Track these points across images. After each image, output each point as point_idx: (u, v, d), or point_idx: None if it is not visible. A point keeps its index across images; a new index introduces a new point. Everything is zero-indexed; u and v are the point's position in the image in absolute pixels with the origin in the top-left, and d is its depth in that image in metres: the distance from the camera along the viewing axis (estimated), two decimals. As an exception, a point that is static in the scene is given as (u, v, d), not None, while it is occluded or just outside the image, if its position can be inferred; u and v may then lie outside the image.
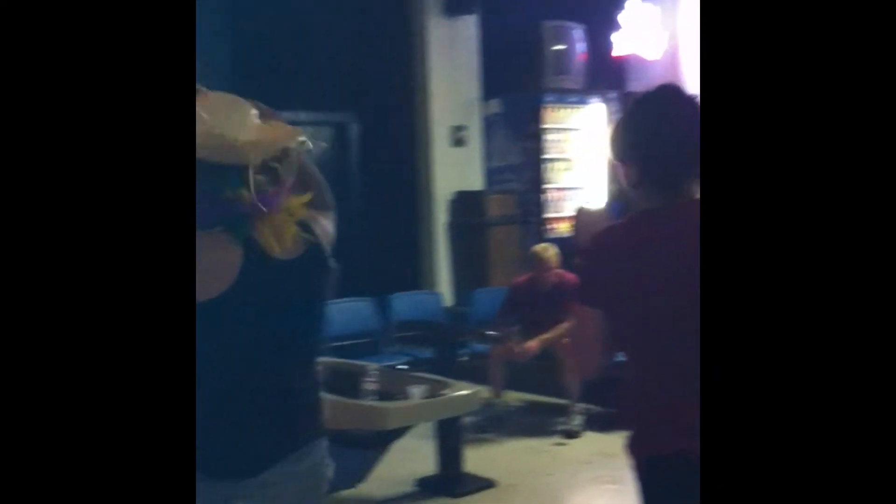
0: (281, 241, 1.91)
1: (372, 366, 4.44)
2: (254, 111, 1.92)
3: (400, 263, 7.64)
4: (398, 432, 4.08)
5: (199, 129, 1.78)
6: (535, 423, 5.71)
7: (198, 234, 1.80)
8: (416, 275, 7.70)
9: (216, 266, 1.86)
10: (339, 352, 5.16)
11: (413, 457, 4.67)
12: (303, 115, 6.78)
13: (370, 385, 4.10)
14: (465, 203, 7.76)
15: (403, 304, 6.56)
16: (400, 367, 5.53)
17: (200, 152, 1.76)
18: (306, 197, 1.99)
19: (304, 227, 1.98)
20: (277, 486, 1.93)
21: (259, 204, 1.87)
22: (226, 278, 1.87)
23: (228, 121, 1.86)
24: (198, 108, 1.81)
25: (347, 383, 4.05)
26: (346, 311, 5.90)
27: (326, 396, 2.08)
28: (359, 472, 4.20)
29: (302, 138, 1.97)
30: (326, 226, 2.06)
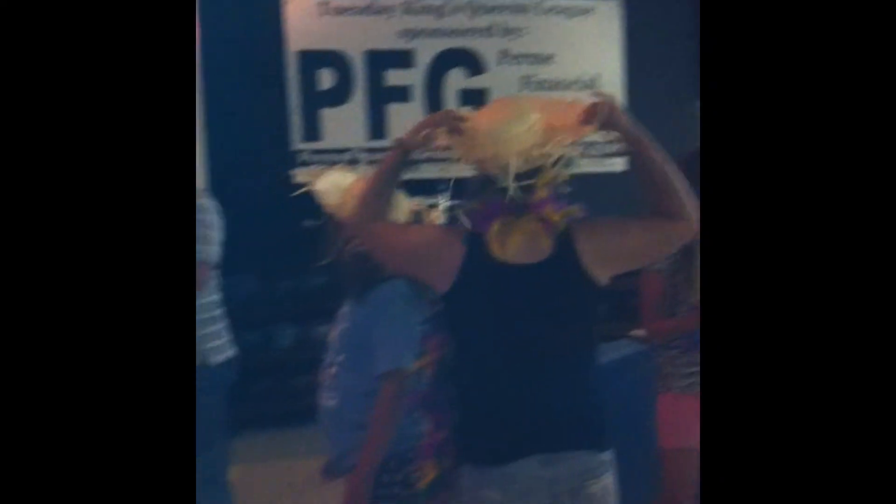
0: (504, 245, 1.96)
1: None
2: (535, 115, 1.94)
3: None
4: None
5: (464, 144, 1.94)
6: None
7: (421, 225, 2.18)
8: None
9: (438, 259, 1.99)
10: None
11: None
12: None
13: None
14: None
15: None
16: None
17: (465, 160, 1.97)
18: (566, 211, 2.01)
19: (562, 236, 1.98)
20: (522, 483, 1.94)
21: (466, 222, 1.99)
22: (449, 273, 1.97)
23: (489, 135, 1.93)
24: (468, 125, 1.96)
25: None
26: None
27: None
28: None
29: (562, 153, 1.97)
30: (612, 239, 2.02)
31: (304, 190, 2.44)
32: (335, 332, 2.46)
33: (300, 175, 2.36)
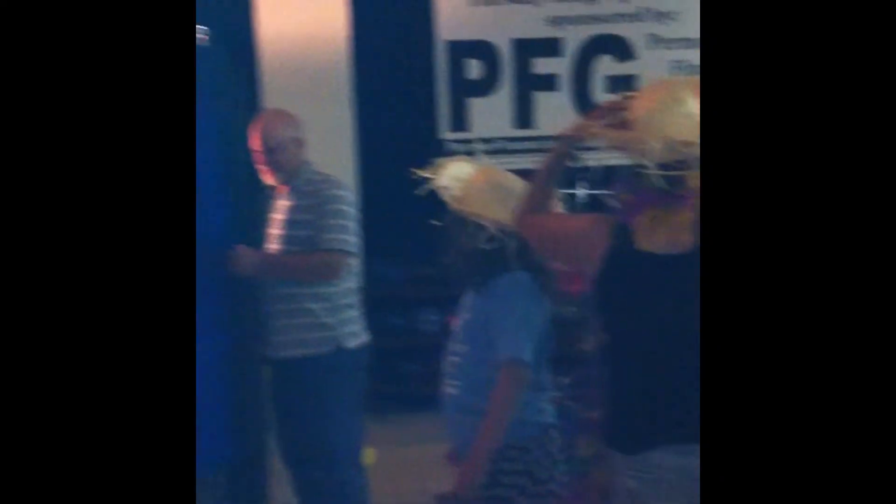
0: (651, 237, 1.96)
1: None
2: (693, 100, 1.86)
3: None
4: None
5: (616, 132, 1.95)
6: None
7: (573, 214, 2.21)
8: None
9: (585, 247, 2.04)
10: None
11: None
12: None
13: None
14: None
15: None
16: None
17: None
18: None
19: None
20: (658, 472, 1.93)
21: (621, 212, 2.00)
22: (595, 261, 2.01)
23: (652, 118, 1.89)
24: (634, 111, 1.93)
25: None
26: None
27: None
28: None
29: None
30: None
31: (427, 187, 2.49)
32: (457, 322, 2.50)
33: (421, 171, 2.39)
